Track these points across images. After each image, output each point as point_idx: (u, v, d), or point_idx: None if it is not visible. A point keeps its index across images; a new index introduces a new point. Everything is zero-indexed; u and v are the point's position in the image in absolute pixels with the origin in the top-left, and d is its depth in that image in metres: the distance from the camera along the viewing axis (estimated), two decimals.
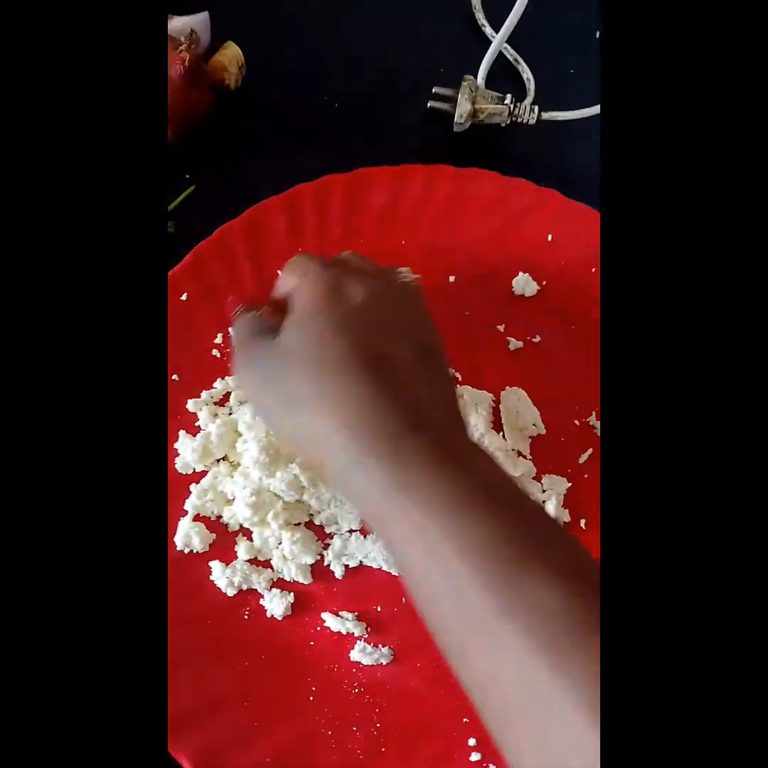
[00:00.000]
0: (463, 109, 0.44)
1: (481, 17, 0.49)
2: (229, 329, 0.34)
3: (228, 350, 0.39)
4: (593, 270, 0.42)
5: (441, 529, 0.24)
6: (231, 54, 0.46)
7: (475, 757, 0.34)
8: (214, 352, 0.39)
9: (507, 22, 0.45)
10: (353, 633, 0.35)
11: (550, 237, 0.42)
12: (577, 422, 0.40)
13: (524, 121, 0.45)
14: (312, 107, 0.47)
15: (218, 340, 0.39)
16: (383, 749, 0.34)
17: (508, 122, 0.45)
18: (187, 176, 0.44)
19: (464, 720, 0.34)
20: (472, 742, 0.34)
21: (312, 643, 0.35)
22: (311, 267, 0.31)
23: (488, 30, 0.49)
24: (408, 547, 0.25)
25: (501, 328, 0.41)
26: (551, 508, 0.38)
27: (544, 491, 0.38)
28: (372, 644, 0.35)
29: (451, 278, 0.42)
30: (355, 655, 0.35)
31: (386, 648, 0.35)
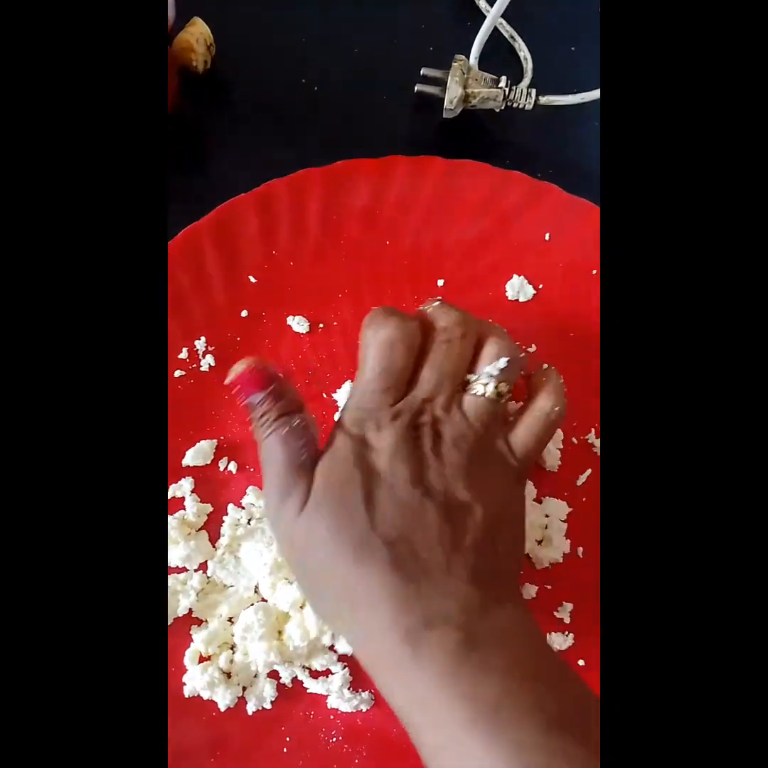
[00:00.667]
0: (453, 93, 0.40)
1: None
2: (251, 422, 0.29)
3: (193, 367, 0.36)
4: (594, 272, 0.38)
5: (453, 756, 0.24)
6: (198, 32, 0.42)
7: None
8: (177, 372, 0.36)
9: None
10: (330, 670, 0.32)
11: (547, 236, 0.38)
12: (574, 440, 0.37)
13: (520, 106, 0.41)
14: (289, 91, 0.43)
15: (183, 355, 0.36)
16: None
17: (503, 107, 0.41)
18: None
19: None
20: None
21: (291, 682, 0.32)
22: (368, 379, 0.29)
23: (483, 4, 0.45)
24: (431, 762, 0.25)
25: None
26: (555, 538, 0.35)
27: (546, 516, 0.35)
28: (351, 689, 0.32)
29: (440, 282, 0.38)
30: (332, 701, 0.32)
31: (366, 693, 0.32)
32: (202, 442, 0.34)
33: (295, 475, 0.27)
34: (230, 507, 0.34)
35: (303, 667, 0.32)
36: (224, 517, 0.34)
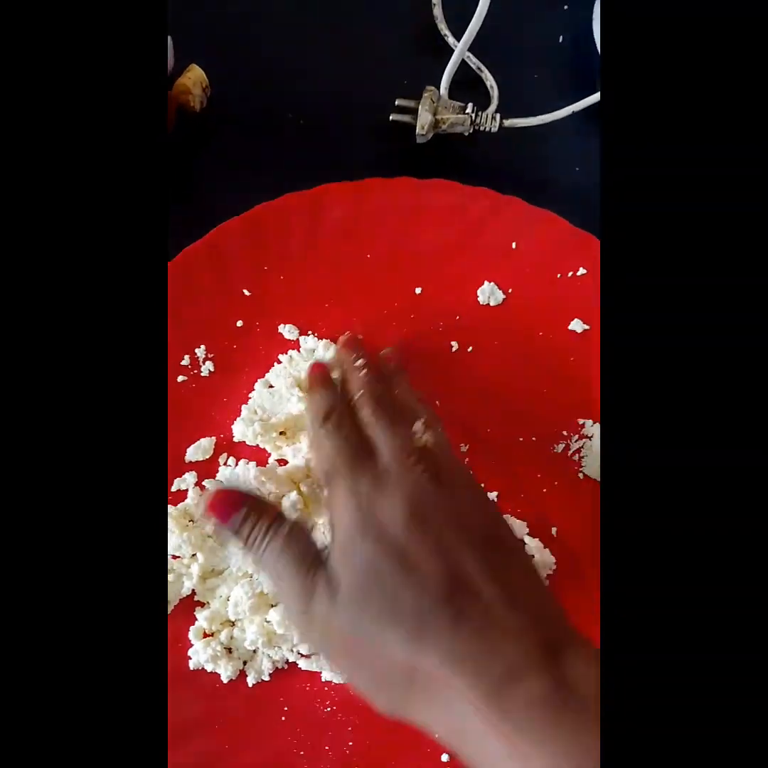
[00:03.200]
0: (424, 120, 0.44)
1: (443, 27, 0.49)
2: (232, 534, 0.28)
3: (194, 373, 0.39)
4: (558, 276, 0.41)
5: None
6: (195, 76, 0.46)
7: None
8: (180, 377, 0.39)
9: (467, 31, 0.45)
10: None
11: (514, 245, 0.42)
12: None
13: (487, 129, 0.45)
14: (277, 125, 0.47)
15: (185, 362, 0.39)
16: None
17: (471, 131, 0.45)
18: None
19: (437, 736, 0.34)
20: (445, 757, 0.34)
21: (285, 664, 0.35)
22: (330, 460, 0.28)
23: (451, 40, 0.49)
24: None
25: (470, 348, 0.41)
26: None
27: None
28: None
29: (418, 290, 0.42)
30: (326, 674, 0.35)
31: None
32: (202, 439, 0.38)
33: (313, 573, 0.26)
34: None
35: (292, 649, 0.35)
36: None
